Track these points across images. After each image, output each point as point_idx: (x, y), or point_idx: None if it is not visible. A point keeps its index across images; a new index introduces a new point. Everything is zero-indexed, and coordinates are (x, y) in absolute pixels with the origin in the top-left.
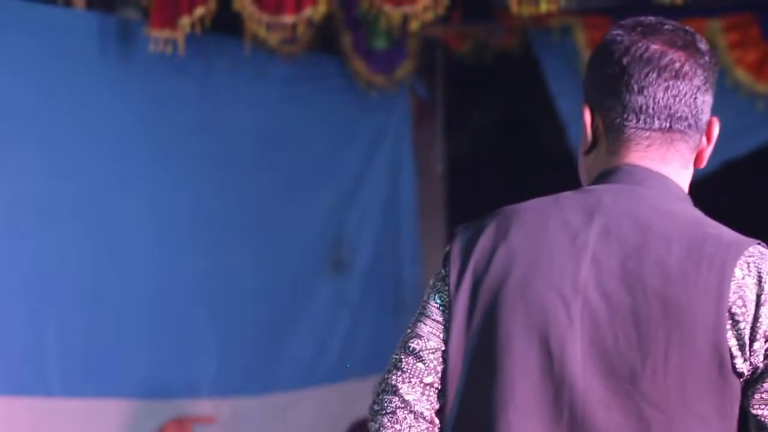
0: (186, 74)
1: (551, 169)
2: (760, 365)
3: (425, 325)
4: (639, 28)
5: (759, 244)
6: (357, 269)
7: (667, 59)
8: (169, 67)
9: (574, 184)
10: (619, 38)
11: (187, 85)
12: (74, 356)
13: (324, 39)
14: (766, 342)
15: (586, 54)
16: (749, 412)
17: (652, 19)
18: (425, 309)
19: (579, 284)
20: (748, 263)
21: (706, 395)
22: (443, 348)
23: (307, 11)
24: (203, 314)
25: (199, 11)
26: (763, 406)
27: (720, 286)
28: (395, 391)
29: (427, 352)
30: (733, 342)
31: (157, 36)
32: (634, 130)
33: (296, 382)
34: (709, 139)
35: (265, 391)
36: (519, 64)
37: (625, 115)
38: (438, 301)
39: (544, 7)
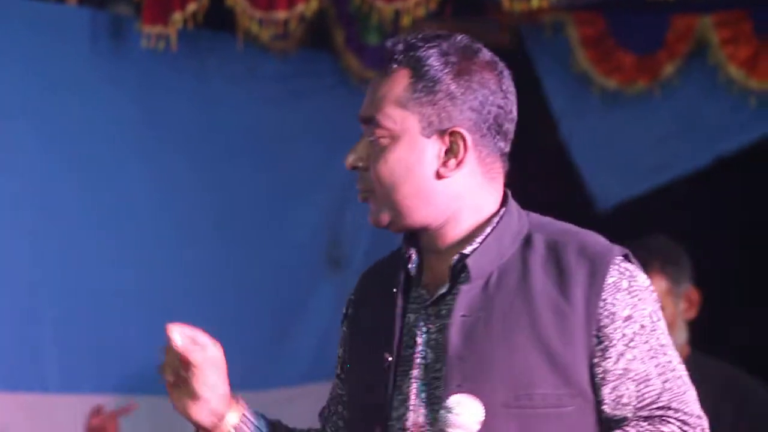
0: (178, 70)
1: (543, 163)
2: None
3: None
4: None
5: None
6: (355, 265)
7: None
8: (162, 63)
9: (565, 178)
10: None
11: (179, 81)
12: (72, 352)
13: (316, 35)
14: None
15: (578, 50)
16: None
17: None
18: None
19: None
20: None
21: None
22: None
23: (300, 7)
24: (201, 311)
25: (192, 7)
26: None
27: None
28: None
29: None
30: None
31: (149, 31)
32: None
33: (297, 379)
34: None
35: (265, 387)
36: (511, 60)
37: None
38: None
39: (535, 3)
